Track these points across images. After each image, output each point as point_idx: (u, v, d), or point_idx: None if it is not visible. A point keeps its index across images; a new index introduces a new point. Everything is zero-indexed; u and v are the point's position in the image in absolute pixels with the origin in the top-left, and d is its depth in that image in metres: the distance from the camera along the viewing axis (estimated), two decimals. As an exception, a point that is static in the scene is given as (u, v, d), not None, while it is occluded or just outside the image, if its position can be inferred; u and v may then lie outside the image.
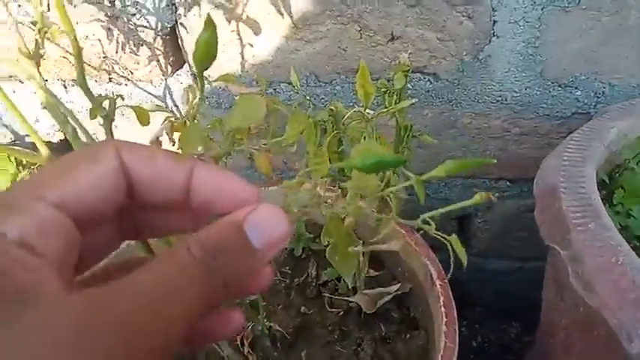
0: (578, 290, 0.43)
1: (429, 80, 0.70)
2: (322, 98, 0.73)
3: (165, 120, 0.52)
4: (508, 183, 0.80)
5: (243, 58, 0.71)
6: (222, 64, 0.72)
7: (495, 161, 0.28)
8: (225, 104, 0.76)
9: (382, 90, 0.54)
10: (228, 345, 0.56)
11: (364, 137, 0.49)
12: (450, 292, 0.60)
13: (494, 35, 0.65)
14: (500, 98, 0.70)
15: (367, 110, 0.52)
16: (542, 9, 0.62)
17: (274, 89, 0.73)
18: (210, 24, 0.29)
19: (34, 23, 0.43)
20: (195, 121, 0.54)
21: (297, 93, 0.73)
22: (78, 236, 0.22)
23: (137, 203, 0.24)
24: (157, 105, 0.77)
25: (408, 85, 0.70)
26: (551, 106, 0.70)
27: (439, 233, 0.31)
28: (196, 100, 0.53)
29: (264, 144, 0.45)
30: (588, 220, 0.45)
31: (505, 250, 0.89)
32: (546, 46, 0.65)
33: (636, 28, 0.63)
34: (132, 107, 0.45)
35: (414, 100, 0.49)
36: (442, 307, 0.57)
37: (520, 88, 0.69)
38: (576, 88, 0.68)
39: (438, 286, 0.60)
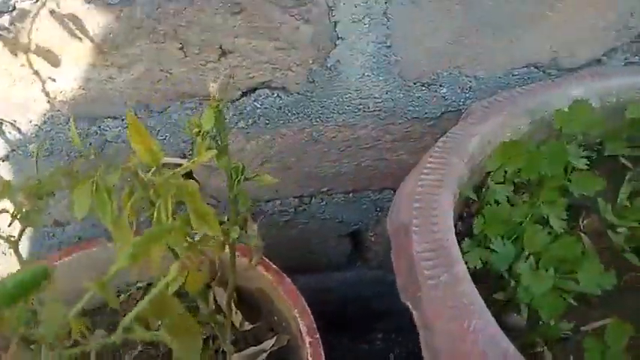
0: (429, 365, 0.35)
1: (278, 96, 0.60)
2: (159, 130, 0.61)
3: None
4: (392, 192, 0.73)
5: (49, 95, 0.58)
6: (26, 106, 0.58)
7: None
8: (42, 152, 0.63)
9: (193, 132, 0.43)
10: None
11: (158, 206, 0.38)
12: (322, 351, 0.51)
13: (338, 38, 0.55)
14: (361, 106, 0.61)
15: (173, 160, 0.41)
16: (385, 3, 0.53)
17: (99, 127, 0.61)
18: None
19: None
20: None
21: (127, 128, 0.61)
22: None
23: None
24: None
25: (256, 104, 0.60)
26: (419, 107, 0.62)
27: None
28: None
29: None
30: (440, 271, 0.38)
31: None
32: (400, 44, 0.57)
33: (493, 13, 0.55)
34: None
35: (212, 152, 0.39)
36: (310, 369, 0.49)
37: (380, 93, 0.60)
38: (441, 86, 0.61)
39: (308, 344, 0.52)
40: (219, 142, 0.43)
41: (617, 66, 0.61)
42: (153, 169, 0.41)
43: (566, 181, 0.48)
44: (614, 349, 0.35)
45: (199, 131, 0.43)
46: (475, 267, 0.42)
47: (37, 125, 0.60)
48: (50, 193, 0.44)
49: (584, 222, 0.49)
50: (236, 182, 0.47)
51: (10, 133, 0.61)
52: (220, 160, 0.44)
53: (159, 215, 0.38)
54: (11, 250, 0.74)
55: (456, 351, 0.34)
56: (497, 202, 0.45)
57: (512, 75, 0.61)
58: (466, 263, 0.39)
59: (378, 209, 0.74)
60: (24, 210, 0.38)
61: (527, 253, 0.41)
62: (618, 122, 0.55)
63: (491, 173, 0.49)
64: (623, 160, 0.56)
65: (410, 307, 0.39)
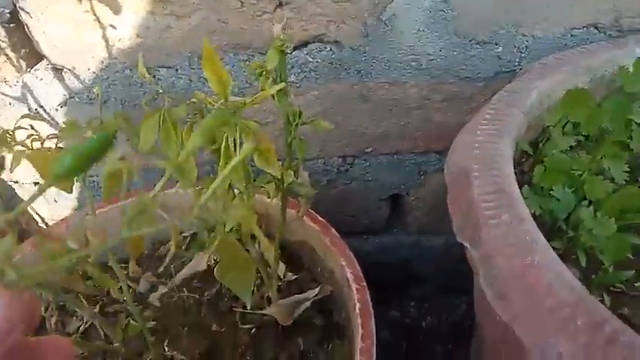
0: (490, 299, 0.35)
1: (330, 50, 0.60)
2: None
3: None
4: (437, 155, 0.73)
5: (107, 42, 0.59)
6: (85, 51, 0.60)
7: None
8: (96, 100, 0.65)
9: (256, 72, 0.44)
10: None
11: (226, 137, 0.39)
12: (369, 297, 0.52)
13: (396, -10, 0.55)
14: (413, 63, 0.61)
15: (233, 99, 0.42)
16: (446, -46, 0.52)
17: (153, 76, 0.62)
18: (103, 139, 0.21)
19: None
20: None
21: (182, 78, 0.62)
22: None
23: None
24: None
25: (308, 57, 0.60)
26: (472, 67, 0.62)
27: None
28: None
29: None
30: (501, 211, 0.38)
31: (441, 226, 0.82)
32: (457, 1, 0.56)
33: (556, -32, 0.54)
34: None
35: (282, 85, 0.40)
36: (358, 317, 0.50)
37: (434, 49, 0.60)
38: (496, 44, 0.60)
39: (355, 291, 0.52)
40: (280, 83, 0.44)
41: (683, 28, 0.59)
42: (219, 103, 0.42)
43: (628, 138, 0.47)
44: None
45: (262, 71, 0.44)
46: (534, 213, 0.41)
47: (94, 72, 0.62)
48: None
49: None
50: (294, 126, 0.47)
51: (69, 79, 0.63)
52: (281, 100, 0.45)
53: (226, 148, 0.39)
54: (58, 198, 0.76)
55: (520, 285, 0.34)
56: (557, 153, 0.44)
57: (571, 35, 0.60)
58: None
59: (422, 172, 0.74)
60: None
61: (587, 201, 0.41)
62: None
63: (550, 127, 0.48)
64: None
65: (468, 246, 0.39)
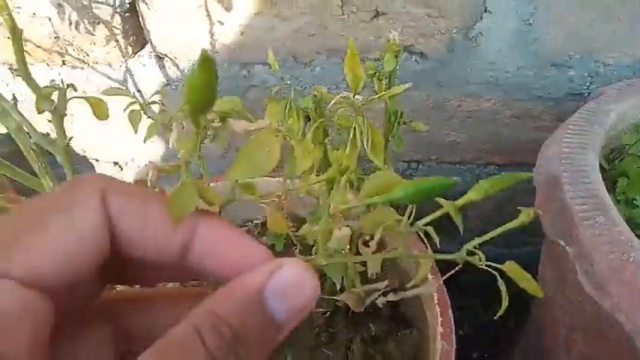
0: (588, 290, 0.39)
1: (416, 60, 0.65)
2: (301, 80, 0.67)
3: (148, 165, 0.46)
4: (496, 168, 0.77)
5: (212, 37, 0.64)
6: (188, 44, 0.65)
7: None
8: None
9: (370, 73, 0.49)
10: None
11: (354, 128, 0.44)
12: (445, 291, 0.56)
13: (486, 11, 0.60)
14: (492, 79, 0.66)
15: (356, 96, 0.46)
16: (537, -18, 0.58)
17: (248, 71, 0.67)
18: (206, 61, 0.21)
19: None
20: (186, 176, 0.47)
21: (274, 75, 0.67)
22: (51, 313, 0.17)
23: (122, 258, 0.19)
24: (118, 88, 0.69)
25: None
26: (545, 87, 0.66)
27: (490, 264, 0.26)
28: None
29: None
30: (595, 214, 0.42)
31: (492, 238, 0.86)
32: (541, 23, 0.61)
33: (633, 4, 0.59)
34: (85, 98, 0.39)
35: (407, 85, 0.44)
36: (437, 306, 0.54)
37: (513, 68, 0.65)
38: (570, 68, 0.65)
39: (432, 281, 0.56)
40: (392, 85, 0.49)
41: None
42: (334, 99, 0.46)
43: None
44: None
45: (375, 73, 0.49)
46: (620, 219, 0.46)
47: (194, 63, 0.67)
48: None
49: None
50: (396, 124, 0.52)
51: (169, 68, 0.68)
52: (391, 101, 0.49)
53: (354, 136, 0.44)
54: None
55: (618, 278, 0.38)
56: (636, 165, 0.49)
57: (639, 64, 0.64)
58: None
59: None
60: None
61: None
62: None
63: (628, 145, 0.52)
64: None
65: (562, 243, 0.43)
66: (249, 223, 0.75)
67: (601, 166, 0.54)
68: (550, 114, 0.69)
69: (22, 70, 0.35)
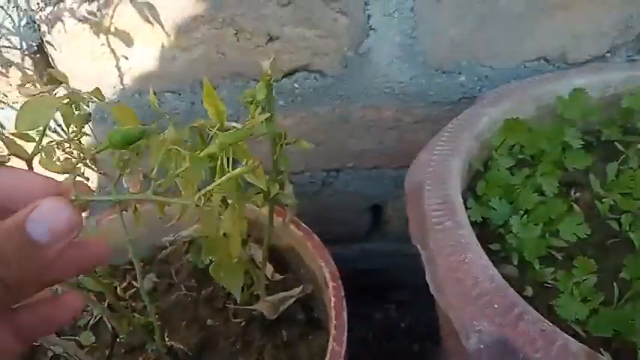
0: (432, 291, 0.43)
1: (315, 78, 0.69)
2: (211, 105, 0.71)
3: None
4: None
5: (120, 71, 0.68)
6: (99, 79, 0.69)
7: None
8: (110, 118, 0.73)
9: (248, 101, 0.53)
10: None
11: (220, 157, 0.48)
12: (342, 294, 0.60)
13: (371, 29, 0.64)
14: (388, 90, 0.70)
15: (232, 124, 0.50)
16: (413, 0, 0.61)
17: (159, 99, 0.71)
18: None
19: None
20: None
21: (183, 101, 0.71)
22: None
23: None
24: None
25: (295, 85, 0.69)
26: (439, 93, 0.70)
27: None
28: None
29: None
30: (445, 219, 0.46)
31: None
32: (424, 36, 0.65)
33: (506, 13, 0.63)
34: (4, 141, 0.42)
35: (267, 115, 0.48)
36: (333, 309, 0.58)
37: (405, 78, 0.68)
38: (460, 74, 0.69)
39: (331, 287, 0.60)
40: (267, 111, 0.53)
41: (619, 62, 0.68)
42: (216, 127, 0.50)
43: (562, 157, 0.56)
44: (582, 282, 0.42)
45: (252, 100, 0.53)
46: (476, 220, 0.50)
47: (108, 97, 0.71)
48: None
49: (576, 194, 0.56)
50: (279, 145, 0.56)
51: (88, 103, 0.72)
52: (268, 125, 0.53)
53: (222, 164, 0.47)
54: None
55: (454, 278, 0.42)
56: (498, 170, 0.53)
57: (525, 67, 0.68)
58: (469, 217, 0.48)
59: (398, 185, 0.82)
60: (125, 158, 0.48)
61: (520, 211, 0.49)
62: (615, 111, 0.62)
63: (497, 147, 0.56)
64: (618, 145, 0.62)
65: (419, 247, 0.47)
66: (177, 242, 0.78)
67: (480, 172, 0.58)
68: (448, 117, 0.72)
69: None
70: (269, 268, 0.72)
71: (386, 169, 0.81)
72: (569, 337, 0.36)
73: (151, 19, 0.63)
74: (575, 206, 0.51)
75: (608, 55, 0.68)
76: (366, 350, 0.98)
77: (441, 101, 0.71)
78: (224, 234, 0.53)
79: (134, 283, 0.74)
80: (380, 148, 0.77)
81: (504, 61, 0.68)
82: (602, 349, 0.40)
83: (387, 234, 0.91)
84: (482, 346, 0.39)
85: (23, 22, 0.63)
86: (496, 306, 0.39)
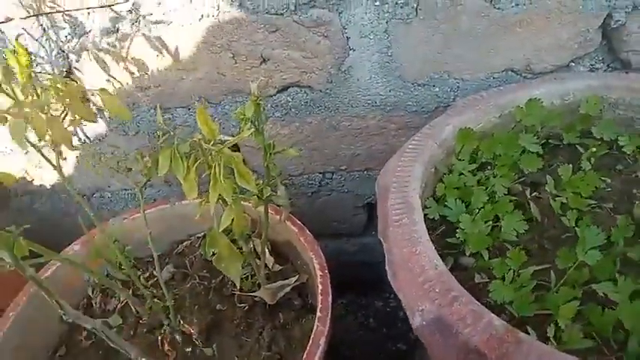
0: (389, 277, 0.52)
1: (305, 92, 0.78)
2: (215, 117, 0.81)
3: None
4: (399, 171, 0.89)
5: (137, 91, 0.79)
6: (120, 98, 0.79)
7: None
8: (131, 131, 0.84)
9: (241, 117, 0.62)
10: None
11: (213, 166, 0.57)
12: (329, 282, 0.69)
13: (350, 49, 0.72)
14: (370, 101, 0.78)
15: (223, 138, 0.60)
16: (386, 22, 0.70)
17: (171, 114, 0.81)
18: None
19: None
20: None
21: (192, 115, 0.81)
22: None
23: None
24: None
25: (288, 98, 0.78)
26: (416, 103, 0.78)
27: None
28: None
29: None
30: (403, 217, 0.55)
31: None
32: (398, 54, 0.73)
33: (470, 32, 0.70)
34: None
35: (250, 131, 0.57)
36: (319, 295, 0.67)
37: (385, 91, 0.77)
38: (434, 86, 0.76)
39: (319, 276, 0.70)
40: (257, 126, 0.62)
41: (581, 71, 0.74)
42: (212, 142, 0.60)
43: (518, 160, 0.63)
44: (521, 272, 0.50)
45: (243, 117, 0.62)
46: (434, 217, 0.58)
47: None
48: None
49: (534, 194, 0.64)
50: (269, 155, 0.65)
51: (109, 118, 0.83)
52: (258, 138, 0.63)
53: (214, 173, 0.57)
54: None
55: (407, 266, 0.51)
56: (458, 173, 0.61)
57: (493, 78, 0.76)
58: (428, 215, 0.56)
59: (387, 185, 0.91)
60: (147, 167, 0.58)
61: (475, 209, 0.57)
62: (575, 117, 0.69)
63: (457, 152, 0.64)
64: (578, 148, 0.69)
65: (382, 240, 0.56)
66: (192, 237, 0.89)
67: (444, 174, 0.66)
68: (427, 124, 0.80)
69: None
70: (270, 260, 0.81)
71: (376, 170, 0.89)
72: (495, 316, 0.45)
73: (161, 48, 0.73)
74: (529, 204, 0.58)
75: (573, 64, 0.75)
76: (367, 334, 1.07)
77: (420, 110, 0.79)
78: (223, 230, 0.63)
79: (154, 273, 0.85)
80: (369, 152, 0.85)
81: (473, 74, 0.75)
82: (528, 328, 0.48)
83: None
84: (424, 322, 0.47)
85: (54, 53, 0.75)
86: (437, 290, 0.48)
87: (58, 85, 0.54)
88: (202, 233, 0.89)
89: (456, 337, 0.44)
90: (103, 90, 0.59)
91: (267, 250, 0.80)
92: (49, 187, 0.93)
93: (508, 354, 0.42)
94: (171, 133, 0.72)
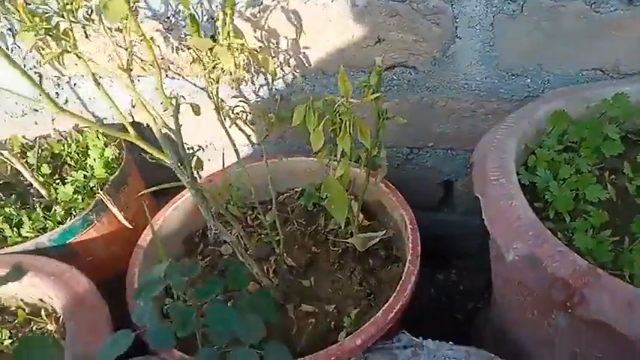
0: (487, 224, 0.63)
1: (410, 72, 0.89)
2: (328, 88, 0.94)
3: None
4: (480, 153, 0.99)
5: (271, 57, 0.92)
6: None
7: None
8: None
9: (363, 85, 0.74)
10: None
11: (345, 121, 0.69)
12: (418, 234, 0.81)
13: (457, 37, 0.83)
14: (466, 86, 0.89)
15: (350, 100, 0.72)
16: (493, 16, 0.80)
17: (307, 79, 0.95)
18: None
19: (126, 49, 0.66)
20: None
21: (308, 84, 0.95)
22: None
23: None
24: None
25: (393, 76, 0.90)
26: (508, 91, 0.88)
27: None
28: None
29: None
30: (500, 177, 0.65)
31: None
32: (499, 45, 0.83)
33: (569, 31, 0.79)
34: (190, 104, 0.68)
35: (378, 94, 0.69)
36: (410, 243, 0.78)
37: (481, 77, 0.87)
38: (526, 77, 0.86)
39: (409, 229, 0.81)
40: (377, 93, 0.74)
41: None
42: (342, 100, 0.72)
43: (601, 146, 0.72)
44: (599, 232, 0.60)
45: (366, 84, 0.74)
46: (525, 183, 0.68)
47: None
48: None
49: (611, 177, 0.72)
50: (382, 120, 0.77)
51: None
52: (376, 103, 0.75)
53: (345, 127, 0.70)
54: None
55: (503, 216, 0.61)
56: (548, 149, 0.71)
57: (582, 75, 0.84)
58: (520, 180, 0.67)
59: (468, 165, 1.01)
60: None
61: (559, 179, 0.67)
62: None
63: (548, 133, 0.74)
64: (656, 142, 0.77)
65: (479, 196, 0.66)
66: (291, 190, 1.03)
67: (534, 150, 0.76)
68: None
69: (158, 84, 0.64)
70: (360, 215, 0.94)
71: (459, 150, 1.00)
72: (578, 256, 0.55)
73: (295, 23, 0.87)
74: (606, 187, 0.67)
75: (658, 69, 0.82)
76: (428, 304, 1.18)
77: (510, 98, 0.89)
78: (337, 178, 0.75)
79: (258, 216, 0.99)
80: (457, 132, 0.96)
81: (564, 69, 0.84)
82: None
83: (456, 206, 1.10)
84: (517, 257, 0.58)
85: (204, 19, 0.89)
86: (530, 233, 0.58)
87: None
88: (300, 188, 1.02)
89: (544, 269, 0.55)
90: (262, 49, 0.73)
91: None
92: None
93: (589, 284, 0.52)
94: (306, 92, 0.85)
